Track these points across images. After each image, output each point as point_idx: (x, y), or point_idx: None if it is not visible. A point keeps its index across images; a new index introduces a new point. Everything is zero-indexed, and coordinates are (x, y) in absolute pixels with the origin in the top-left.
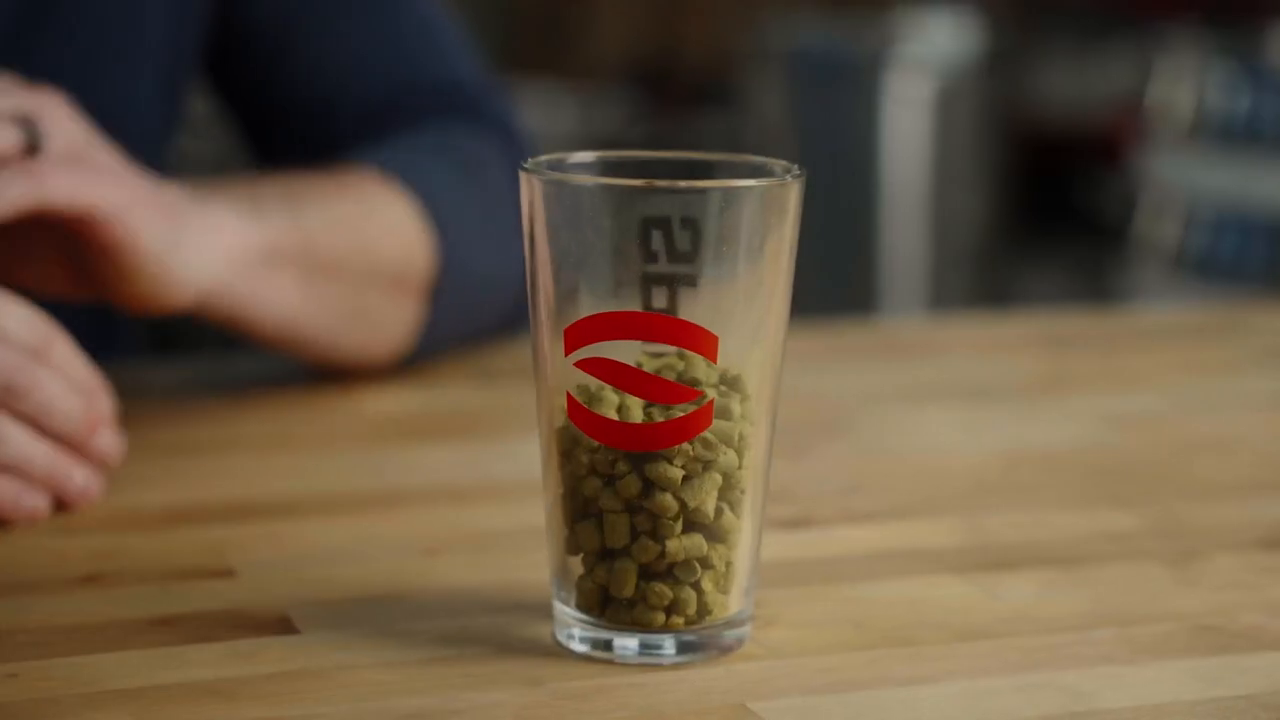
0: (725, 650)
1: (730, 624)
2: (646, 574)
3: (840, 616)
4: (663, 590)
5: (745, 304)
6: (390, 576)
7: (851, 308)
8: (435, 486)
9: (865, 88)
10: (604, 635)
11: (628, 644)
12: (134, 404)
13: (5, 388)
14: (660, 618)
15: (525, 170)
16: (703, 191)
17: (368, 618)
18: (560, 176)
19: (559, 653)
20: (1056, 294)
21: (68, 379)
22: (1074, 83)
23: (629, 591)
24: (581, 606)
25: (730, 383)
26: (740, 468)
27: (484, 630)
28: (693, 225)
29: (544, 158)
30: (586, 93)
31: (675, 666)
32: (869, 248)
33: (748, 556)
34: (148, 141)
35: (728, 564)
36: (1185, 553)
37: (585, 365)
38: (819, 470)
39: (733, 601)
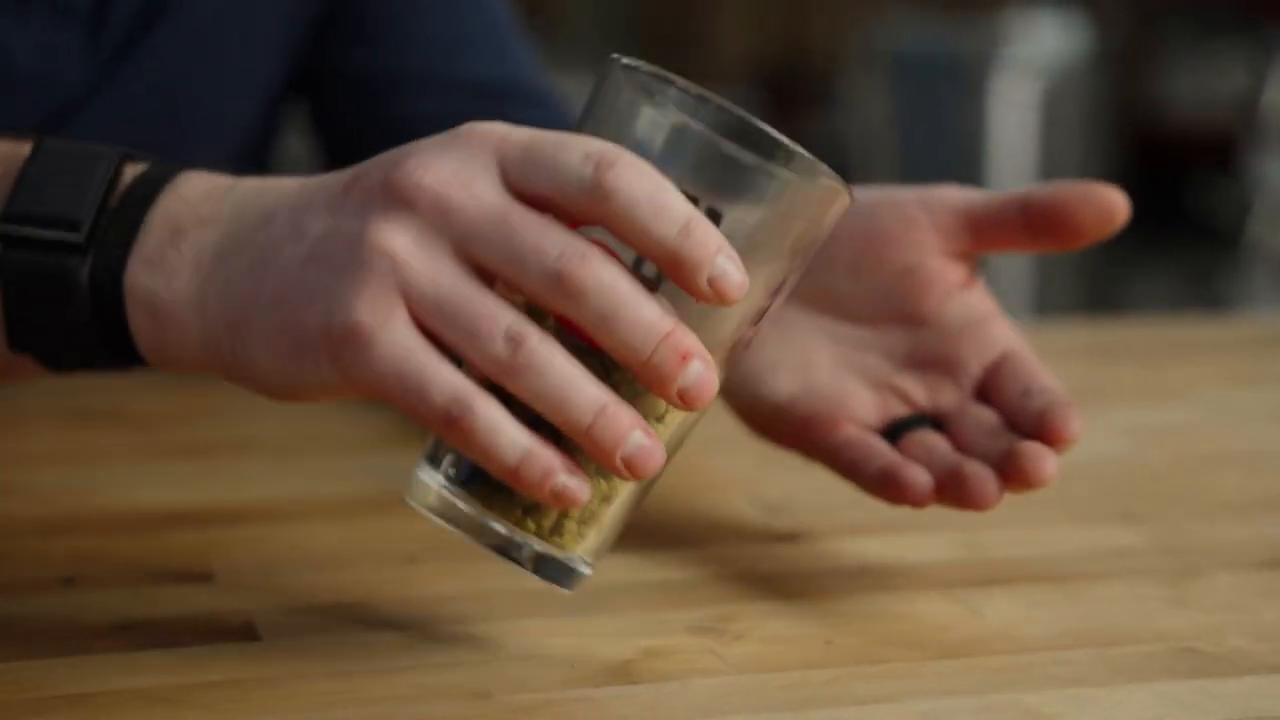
0: (557, 581)
1: (571, 562)
2: None
3: (813, 632)
4: None
5: None
6: (366, 584)
7: None
8: None
9: (971, 89)
10: (460, 507)
11: (484, 522)
12: (141, 403)
13: (555, 277)
14: (517, 513)
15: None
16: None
17: (332, 626)
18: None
19: (513, 666)
20: (1167, 301)
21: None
22: (1187, 84)
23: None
24: (451, 472)
25: None
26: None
27: (445, 640)
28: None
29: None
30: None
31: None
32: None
33: (619, 514)
34: (257, 143)
35: (601, 502)
36: (1183, 571)
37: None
38: (825, 482)
39: (584, 543)
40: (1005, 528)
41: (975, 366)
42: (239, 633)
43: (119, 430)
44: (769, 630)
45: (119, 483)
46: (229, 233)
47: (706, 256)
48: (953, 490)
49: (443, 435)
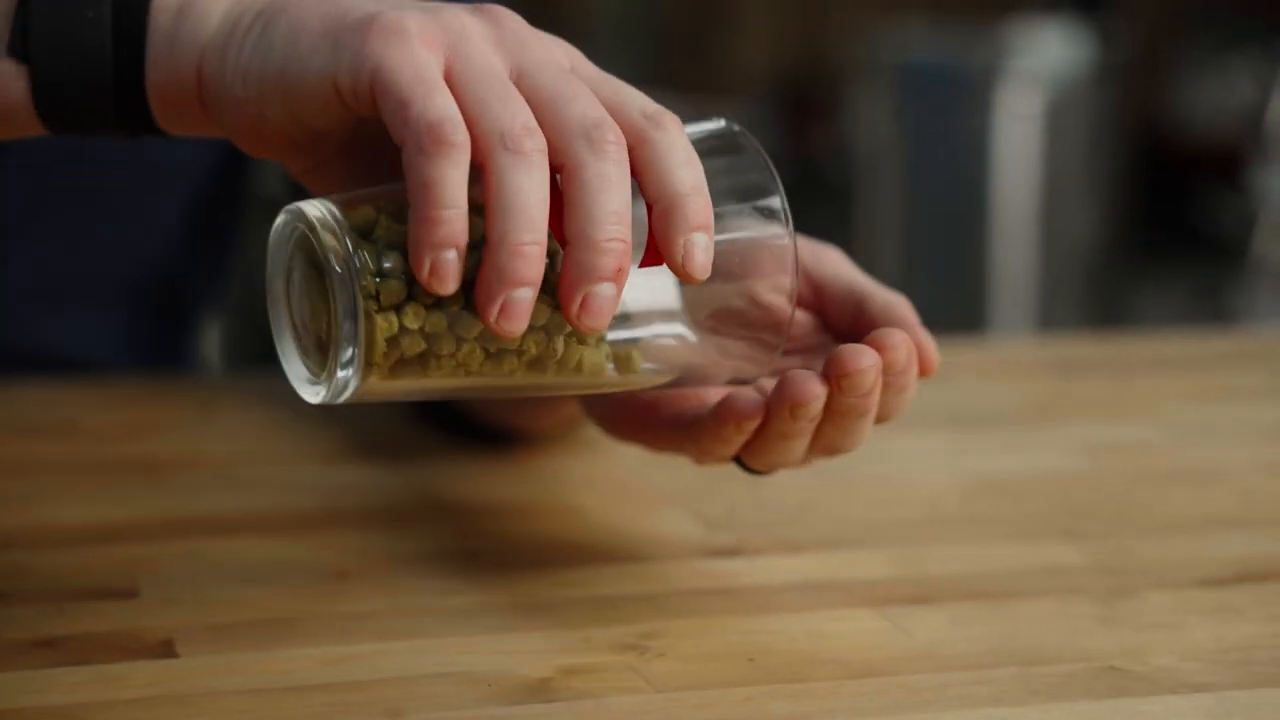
0: (304, 379)
1: (345, 377)
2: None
3: (736, 650)
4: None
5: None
6: (292, 600)
7: (960, 326)
8: (367, 507)
9: (976, 101)
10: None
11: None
12: (91, 417)
13: (592, 125)
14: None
15: None
16: None
17: (254, 642)
18: None
19: (431, 684)
20: (1172, 315)
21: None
22: (1194, 98)
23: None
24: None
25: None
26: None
27: (365, 657)
28: None
29: None
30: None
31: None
32: (979, 264)
33: (442, 380)
34: None
35: (439, 341)
36: (1119, 590)
37: None
38: (768, 496)
39: (384, 373)
40: (944, 544)
41: (815, 300)
42: (157, 649)
43: (66, 444)
44: (693, 648)
45: (56, 497)
46: None
47: (700, 223)
48: (775, 394)
49: (408, 149)
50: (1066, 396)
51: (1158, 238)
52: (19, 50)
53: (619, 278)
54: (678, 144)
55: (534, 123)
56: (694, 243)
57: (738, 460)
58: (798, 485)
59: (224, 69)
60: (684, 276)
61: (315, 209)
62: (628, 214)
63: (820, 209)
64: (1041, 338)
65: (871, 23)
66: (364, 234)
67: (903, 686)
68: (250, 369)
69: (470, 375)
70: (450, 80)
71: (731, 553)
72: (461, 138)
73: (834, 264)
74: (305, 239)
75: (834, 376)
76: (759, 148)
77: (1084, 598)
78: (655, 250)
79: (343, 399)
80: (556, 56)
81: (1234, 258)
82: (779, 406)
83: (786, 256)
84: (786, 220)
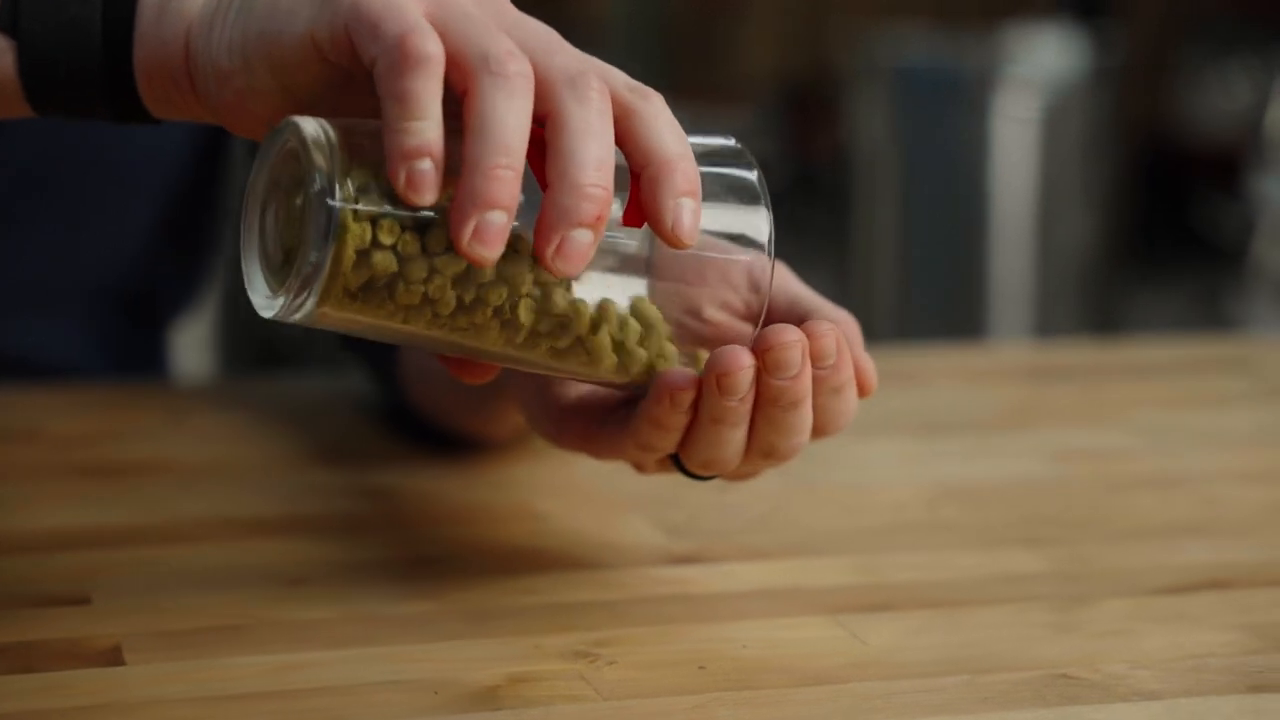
0: (258, 290)
1: (297, 304)
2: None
3: (688, 658)
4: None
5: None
6: (245, 607)
7: (957, 331)
8: (328, 514)
9: (973, 105)
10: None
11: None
12: (58, 423)
13: (577, 74)
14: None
15: None
16: None
17: (203, 650)
18: None
19: (377, 692)
20: (1170, 321)
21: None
22: (1192, 102)
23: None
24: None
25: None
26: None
27: (313, 665)
28: None
29: None
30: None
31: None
32: (976, 269)
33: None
34: None
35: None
36: (1076, 598)
37: None
38: (733, 503)
39: (330, 306)
40: (906, 552)
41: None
42: (104, 657)
43: (30, 449)
44: (644, 655)
45: (16, 504)
46: None
47: (688, 188)
48: (705, 369)
49: (379, 66)
50: (1040, 402)
51: (1156, 243)
52: (7, 24)
53: (597, 225)
54: (664, 114)
55: (518, 49)
56: (683, 206)
57: (679, 466)
58: (763, 492)
59: (210, 42)
60: (671, 241)
61: (311, 124)
62: (610, 163)
63: (818, 212)
64: (1038, 343)
65: (876, 27)
66: (354, 153)
67: (851, 694)
68: (244, 373)
69: (438, 321)
70: (433, 23)
71: (691, 560)
72: (434, 49)
73: (777, 279)
74: (294, 152)
75: (759, 350)
76: (758, 172)
77: (1041, 605)
78: (635, 211)
79: (300, 311)
80: (538, 24)
81: (1232, 263)
82: (708, 379)
83: (762, 279)
84: (769, 244)
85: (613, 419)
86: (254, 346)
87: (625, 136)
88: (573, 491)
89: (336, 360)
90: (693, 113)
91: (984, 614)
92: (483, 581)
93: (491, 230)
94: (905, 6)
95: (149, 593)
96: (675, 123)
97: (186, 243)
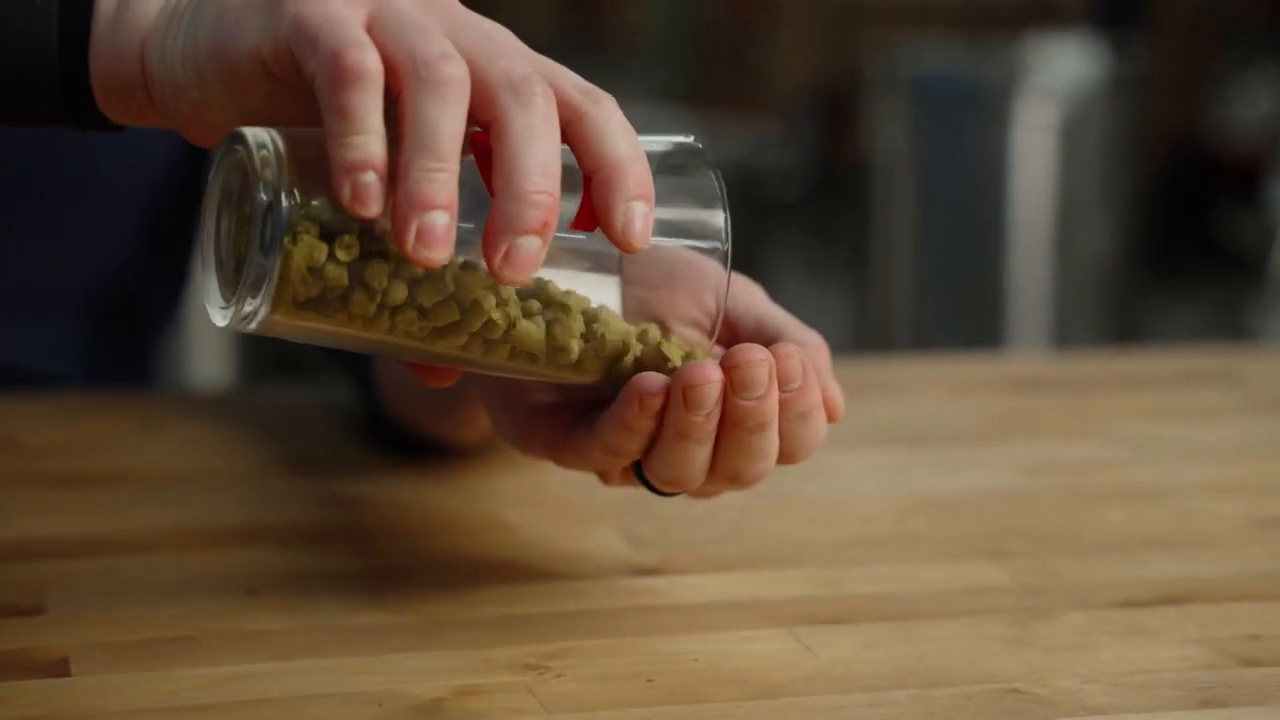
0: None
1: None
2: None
3: (637, 670)
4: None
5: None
6: (198, 618)
7: (975, 340)
8: (290, 524)
9: (992, 114)
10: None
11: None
12: (34, 432)
13: (519, 80)
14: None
15: None
16: None
17: (150, 661)
18: None
19: (321, 705)
20: (1190, 332)
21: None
22: (1213, 112)
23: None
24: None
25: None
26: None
27: (259, 676)
28: None
29: None
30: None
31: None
32: (994, 277)
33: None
34: None
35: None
36: (1036, 611)
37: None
38: (704, 514)
39: (282, 312)
40: (870, 564)
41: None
42: (52, 668)
43: (5, 459)
44: (593, 668)
45: None
46: None
47: (640, 192)
48: (673, 382)
49: (319, 82)
50: (1020, 414)
51: (1175, 253)
52: None
53: (544, 231)
54: (615, 117)
55: (454, 52)
56: (634, 210)
57: (644, 481)
58: (734, 504)
59: (164, 54)
60: (623, 245)
61: (258, 134)
62: (556, 167)
63: (838, 221)
64: (1055, 353)
65: (904, 37)
66: (302, 164)
67: (798, 707)
68: (267, 382)
69: (395, 328)
70: (372, 31)
71: (654, 572)
72: (372, 62)
73: (746, 297)
74: (242, 162)
75: (726, 367)
76: (716, 171)
77: (999, 619)
78: (587, 215)
79: (253, 321)
80: (487, 26)
81: (1253, 274)
82: (675, 390)
83: (720, 290)
84: (725, 255)
85: (580, 425)
86: (272, 357)
87: (576, 140)
88: (544, 503)
89: (325, 370)
90: (723, 121)
91: (941, 627)
92: (440, 593)
93: (435, 232)
94: (937, 17)
95: (102, 604)
96: (627, 125)
97: (171, 251)
